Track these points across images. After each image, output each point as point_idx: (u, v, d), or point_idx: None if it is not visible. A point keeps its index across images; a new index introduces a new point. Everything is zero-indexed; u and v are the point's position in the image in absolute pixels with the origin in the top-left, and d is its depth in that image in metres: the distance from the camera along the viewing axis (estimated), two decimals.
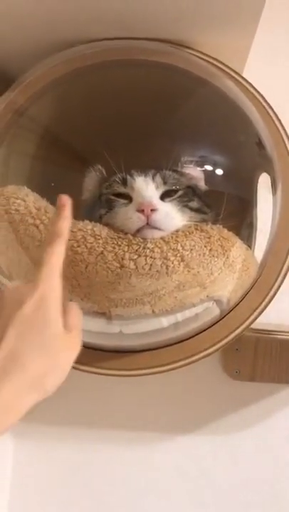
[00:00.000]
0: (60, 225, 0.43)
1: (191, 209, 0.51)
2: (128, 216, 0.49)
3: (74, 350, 0.41)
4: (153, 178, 0.50)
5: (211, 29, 0.61)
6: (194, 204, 0.51)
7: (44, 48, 0.61)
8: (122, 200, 0.50)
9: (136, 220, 0.48)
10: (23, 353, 0.38)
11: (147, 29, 0.61)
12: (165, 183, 0.50)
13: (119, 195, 0.50)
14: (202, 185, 0.52)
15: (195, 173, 0.53)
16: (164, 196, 0.50)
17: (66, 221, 0.44)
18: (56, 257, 0.42)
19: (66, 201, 0.45)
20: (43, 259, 0.41)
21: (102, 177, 0.52)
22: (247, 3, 0.57)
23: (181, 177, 0.52)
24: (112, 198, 0.50)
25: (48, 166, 0.56)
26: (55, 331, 0.40)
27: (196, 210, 0.51)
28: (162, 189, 0.50)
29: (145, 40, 0.61)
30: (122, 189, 0.50)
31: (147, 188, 0.49)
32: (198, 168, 0.53)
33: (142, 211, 0.48)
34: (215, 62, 0.62)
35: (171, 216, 0.49)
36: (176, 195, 0.50)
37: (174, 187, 0.50)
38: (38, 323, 0.39)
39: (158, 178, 0.50)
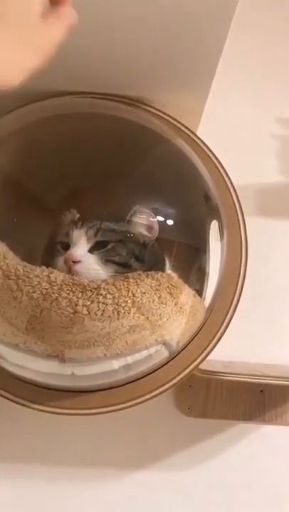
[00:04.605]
0: None
1: (116, 263, 0.54)
2: (58, 265, 0.53)
3: (58, 30, 0.37)
4: (86, 232, 0.54)
5: (167, 89, 0.66)
6: (118, 259, 0.54)
7: (9, 100, 0.64)
8: (63, 251, 0.54)
9: (62, 268, 0.53)
10: None
11: (108, 85, 0.65)
12: (96, 235, 0.54)
13: (64, 245, 0.54)
14: (151, 234, 0.56)
15: (146, 222, 0.56)
16: (94, 248, 0.54)
17: None
18: None
19: None
20: None
21: (56, 226, 0.55)
22: (200, 67, 0.63)
23: (121, 228, 0.55)
24: (58, 248, 0.54)
25: (9, 212, 0.58)
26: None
27: (122, 265, 0.54)
28: (92, 241, 0.54)
29: (106, 98, 0.65)
30: (65, 239, 0.54)
31: (79, 240, 0.54)
32: (151, 219, 0.57)
33: (65, 262, 0.52)
34: (170, 120, 0.67)
35: (94, 268, 0.53)
36: (104, 249, 0.54)
37: (104, 240, 0.54)
38: None
39: (91, 231, 0.54)
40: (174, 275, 0.56)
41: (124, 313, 0.52)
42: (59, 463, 0.78)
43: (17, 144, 0.63)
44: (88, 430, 0.78)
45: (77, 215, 0.55)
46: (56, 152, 0.61)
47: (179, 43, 0.58)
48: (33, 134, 0.63)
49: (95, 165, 0.60)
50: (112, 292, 0.52)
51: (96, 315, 0.51)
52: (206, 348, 0.61)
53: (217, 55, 0.60)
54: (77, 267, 0.52)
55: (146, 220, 0.56)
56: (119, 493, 0.78)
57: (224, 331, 0.63)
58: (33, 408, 0.60)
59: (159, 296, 0.54)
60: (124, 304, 0.52)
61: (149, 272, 0.54)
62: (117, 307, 0.51)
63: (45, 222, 0.58)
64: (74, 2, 0.40)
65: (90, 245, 0.54)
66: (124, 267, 0.54)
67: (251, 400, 0.77)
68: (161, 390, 0.60)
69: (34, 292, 0.51)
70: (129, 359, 0.56)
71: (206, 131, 0.74)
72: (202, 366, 0.63)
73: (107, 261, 0.53)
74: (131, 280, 0.53)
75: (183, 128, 0.67)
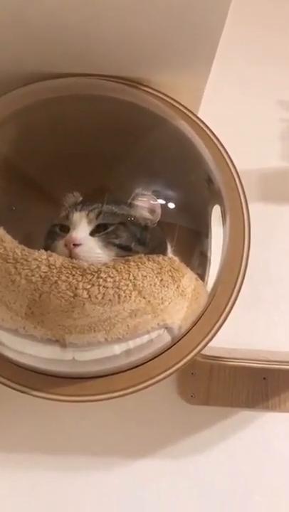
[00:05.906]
0: None
1: (117, 246, 0.53)
2: (58, 248, 0.52)
3: None
4: (88, 214, 0.53)
5: (167, 70, 0.65)
6: (119, 241, 0.53)
7: (7, 81, 0.63)
8: (63, 234, 0.53)
9: (62, 252, 0.52)
10: None
11: (109, 66, 0.64)
12: (97, 218, 0.53)
13: (63, 227, 0.53)
14: (153, 217, 0.55)
15: (147, 205, 0.55)
16: (95, 231, 0.53)
17: None
18: None
19: None
20: None
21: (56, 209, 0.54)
22: (200, 47, 0.61)
23: (123, 211, 0.54)
24: (57, 230, 0.53)
25: (6, 196, 0.57)
26: None
27: (123, 247, 0.53)
28: (94, 224, 0.53)
29: (106, 79, 0.64)
30: (65, 222, 0.53)
31: (79, 223, 0.52)
32: (152, 202, 0.56)
33: (65, 245, 0.51)
34: (171, 101, 0.66)
35: (95, 251, 0.52)
36: (104, 232, 0.53)
37: (105, 222, 0.53)
38: None
39: (92, 214, 0.53)
40: (176, 258, 0.55)
41: (125, 296, 0.51)
42: (59, 450, 0.77)
43: (14, 127, 0.62)
44: (89, 417, 0.77)
45: (80, 198, 0.54)
46: (54, 135, 0.60)
47: (179, 22, 0.57)
48: (30, 117, 0.62)
49: (94, 147, 0.59)
50: (112, 275, 0.51)
51: (97, 299, 0.50)
52: (208, 333, 0.61)
53: (217, 35, 0.59)
54: (78, 250, 0.51)
55: (148, 203, 0.55)
56: (120, 481, 0.77)
57: (227, 316, 0.62)
58: (34, 395, 0.59)
59: (161, 280, 0.53)
60: (125, 288, 0.51)
61: (150, 256, 0.53)
62: (117, 290, 0.51)
63: (44, 207, 0.57)
64: None
65: (90, 228, 0.53)
66: (125, 250, 0.53)
67: (254, 387, 0.77)
68: (163, 375, 0.59)
69: (33, 276, 0.50)
70: (131, 344, 0.55)
71: (207, 115, 0.72)
72: (204, 353, 0.62)
73: (108, 244, 0.52)
74: (132, 263, 0.52)
75: (184, 109, 0.65)
